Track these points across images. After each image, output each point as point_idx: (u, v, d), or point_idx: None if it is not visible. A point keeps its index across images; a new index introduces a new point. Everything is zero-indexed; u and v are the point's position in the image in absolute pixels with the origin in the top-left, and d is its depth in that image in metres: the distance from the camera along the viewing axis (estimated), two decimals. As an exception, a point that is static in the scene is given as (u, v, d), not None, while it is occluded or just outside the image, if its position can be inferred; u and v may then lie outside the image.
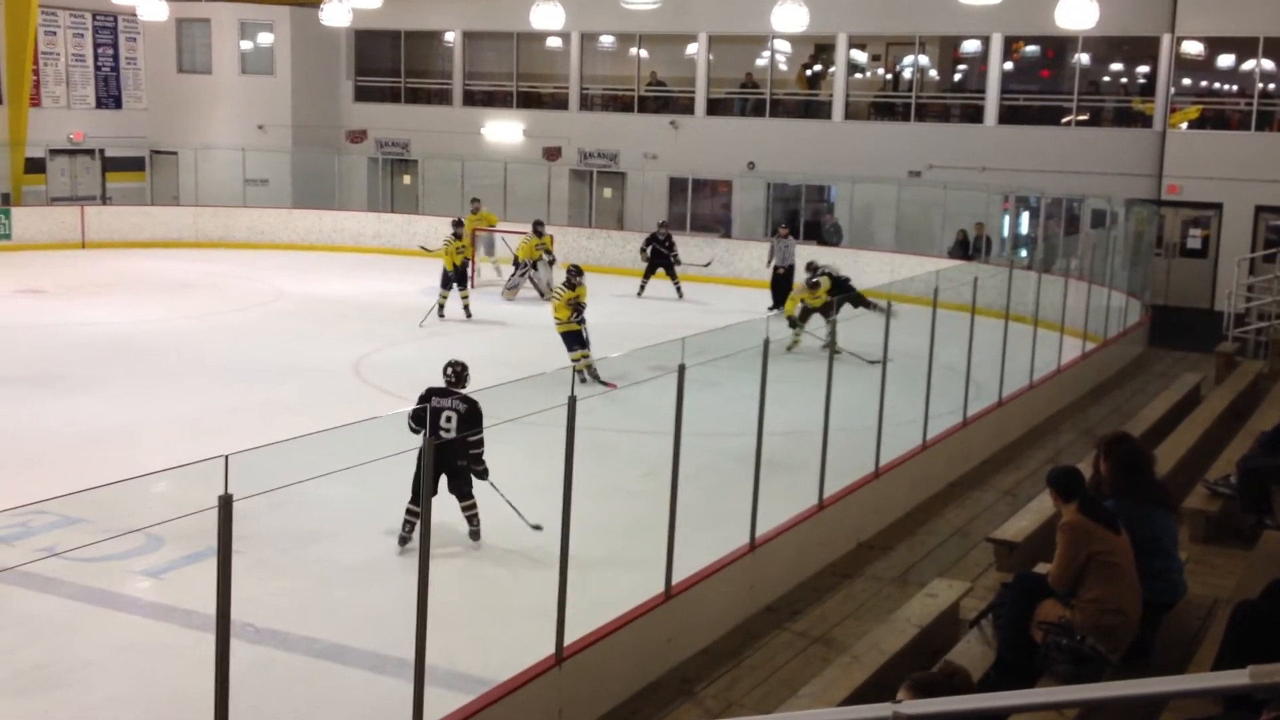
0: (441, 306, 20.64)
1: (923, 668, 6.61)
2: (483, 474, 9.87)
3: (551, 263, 23.50)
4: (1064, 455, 13.00)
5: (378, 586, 9.33)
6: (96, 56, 31.49)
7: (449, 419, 9.69)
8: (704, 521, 9.26)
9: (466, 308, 20.87)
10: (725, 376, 9.87)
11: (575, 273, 16.06)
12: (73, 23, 30.87)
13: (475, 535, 10.00)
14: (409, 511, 9.71)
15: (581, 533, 9.12)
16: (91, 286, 23.01)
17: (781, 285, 22.32)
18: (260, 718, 7.11)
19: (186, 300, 22.06)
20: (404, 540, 9.73)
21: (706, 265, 24.76)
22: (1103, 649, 6.27)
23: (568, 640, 7.30)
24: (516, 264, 23.31)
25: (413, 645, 6.27)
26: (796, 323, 18.32)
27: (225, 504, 5.08)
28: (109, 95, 31.83)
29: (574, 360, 15.20)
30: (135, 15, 28.96)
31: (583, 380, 14.69)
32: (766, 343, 9.34)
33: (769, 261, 22.89)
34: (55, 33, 30.48)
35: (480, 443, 9.76)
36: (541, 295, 23.21)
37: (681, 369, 8.11)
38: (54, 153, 30.27)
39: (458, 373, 10.03)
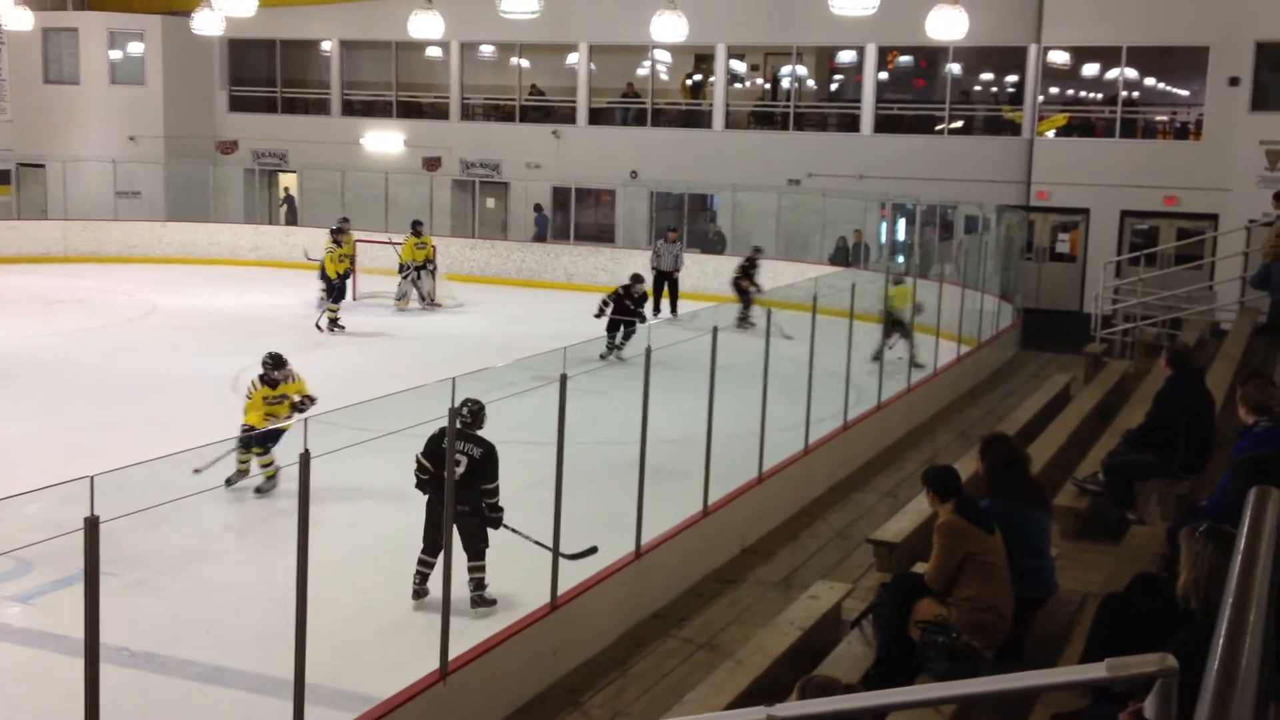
0: (335, 320, 20.39)
1: (806, 670, 6.71)
2: (496, 522, 9.05)
3: (434, 272, 23.30)
4: (942, 456, 13.27)
5: (259, 605, 9.15)
6: (-42, 67, 30.47)
7: (457, 462, 8.68)
8: (590, 531, 9.27)
9: (335, 321, 20.54)
10: (612, 385, 9.91)
11: (272, 365, 12.12)
12: (-68, 32, 29.82)
13: (478, 601, 8.94)
14: (421, 563, 9.05)
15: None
16: (-45, 304, 22.22)
17: (664, 288, 22.52)
18: (136, 744, 6.95)
19: (56, 316, 21.42)
20: (420, 594, 9.07)
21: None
22: (978, 645, 6.42)
23: (452, 654, 7.25)
24: (401, 269, 22.97)
25: (291, 664, 6.18)
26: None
27: (92, 525, 4.97)
28: (-29, 107, 30.82)
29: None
30: (-2, 24, 28.10)
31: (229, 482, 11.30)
32: (649, 350, 9.40)
33: (652, 265, 22.96)
34: (-86, 42, 29.43)
35: (495, 490, 8.98)
36: (424, 301, 23.02)
37: (563, 378, 8.12)
38: (-87, 166, 29.22)
39: (473, 412, 9.00)
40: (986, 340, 18.97)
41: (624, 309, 18.50)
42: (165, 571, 9.70)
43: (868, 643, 7.01)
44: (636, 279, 19.05)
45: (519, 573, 9.17)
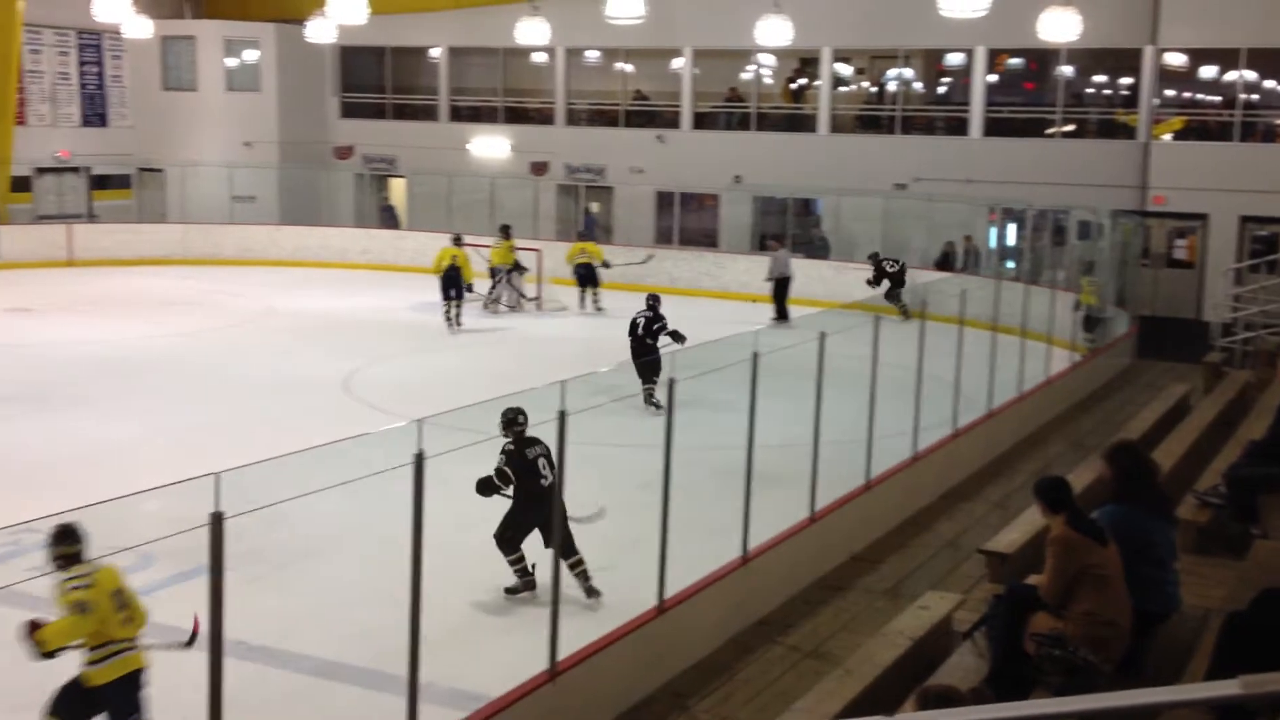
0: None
1: (916, 681, 6.62)
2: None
3: (523, 272, 23.49)
4: (1054, 466, 13.03)
5: (370, 603, 9.29)
6: (82, 74, 31.45)
7: (544, 465, 9.15)
8: (696, 535, 9.26)
9: (458, 317, 21.18)
10: (710, 390, 9.85)
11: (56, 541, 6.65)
12: (57, 41, 30.82)
13: (592, 591, 9.23)
14: (518, 562, 9.36)
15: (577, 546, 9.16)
16: (79, 304, 22.94)
17: (781, 295, 22.61)
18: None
19: (175, 317, 22.01)
20: (518, 590, 9.38)
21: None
22: (1096, 660, 6.28)
23: (561, 655, 7.29)
24: (493, 273, 23.22)
25: (406, 662, 6.26)
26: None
27: (217, 521, 5.09)
28: (94, 113, 31.79)
29: None
30: (119, 33, 28.95)
31: None
32: (755, 356, 9.36)
33: (773, 274, 22.94)
34: (40, 51, 30.44)
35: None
36: (521, 299, 23.25)
37: (672, 383, 8.13)
38: (41, 171, 30.21)
39: (526, 419, 9.27)
40: (1100, 348, 18.59)
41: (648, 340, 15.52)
42: (280, 568, 9.89)
43: (980, 655, 6.90)
44: (654, 300, 16.09)
45: (624, 576, 9.19)
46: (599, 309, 22.72)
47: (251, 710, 7.32)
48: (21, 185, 29.55)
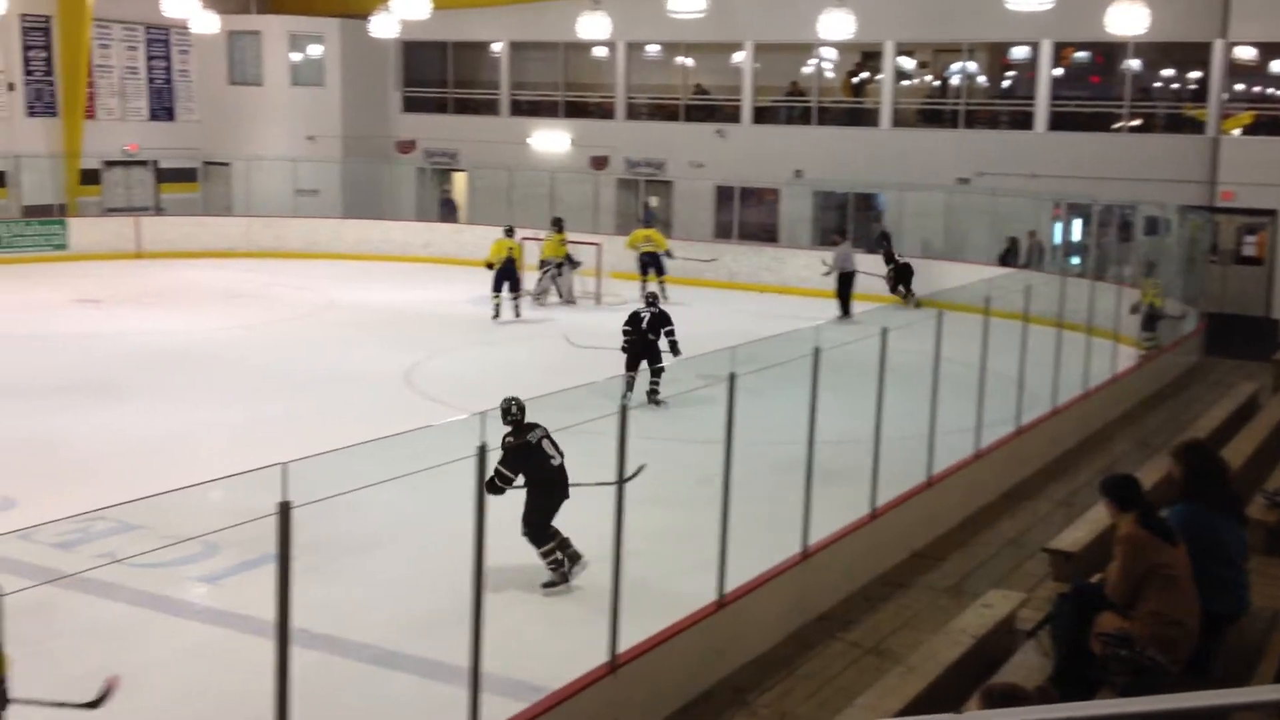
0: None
1: (979, 679, 6.56)
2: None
3: (576, 267, 23.51)
4: (1120, 464, 12.86)
5: (429, 594, 9.36)
6: (150, 69, 31.94)
7: (549, 446, 9.25)
8: (755, 530, 9.22)
9: (517, 309, 21.51)
10: (769, 385, 9.81)
11: None
12: (125, 36, 31.33)
13: (575, 560, 9.52)
14: (549, 554, 9.45)
15: (634, 540, 9.15)
16: (146, 296, 23.31)
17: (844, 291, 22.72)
18: (316, 723, 7.15)
19: (239, 309, 22.30)
20: (555, 583, 9.45)
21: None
22: (1163, 660, 6.19)
23: (621, 647, 7.30)
24: (543, 266, 23.27)
25: (465, 652, 6.29)
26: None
27: (284, 510, 5.14)
28: (162, 107, 32.27)
29: None
30: (187, 28, 29.37)
31: None
32: (817, 351, 9.30)
33: (841, 267, 22.77)
34: (109, 46, 30.95)
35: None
36: (562, 298, 23.30)
37: (732, 378, 8.10)
38: (109, 164, 30.72)
39: (522, 408, 9.29)
40: (1168, 345, 18.32)
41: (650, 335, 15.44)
42: (340, 558, 9.98)
43: (1044, 654, 6.82)
44: (653, 298, 16.41)
45: (684, 569, 9.17)
46: (665, 299, 22.74)
47: (312, 698, 7.39)
48: (91, 178, 30.08)
